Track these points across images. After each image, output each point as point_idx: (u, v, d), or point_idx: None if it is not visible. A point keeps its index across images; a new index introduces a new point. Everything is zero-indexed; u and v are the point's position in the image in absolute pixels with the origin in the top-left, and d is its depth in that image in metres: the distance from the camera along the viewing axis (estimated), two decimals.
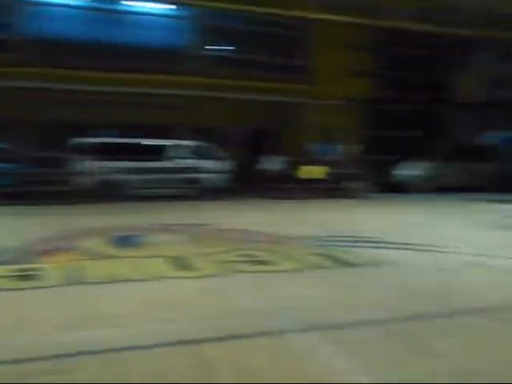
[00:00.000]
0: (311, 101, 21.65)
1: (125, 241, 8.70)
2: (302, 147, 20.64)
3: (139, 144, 17.32)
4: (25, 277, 6.06)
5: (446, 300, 5.29)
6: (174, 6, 21.56)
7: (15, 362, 3.64)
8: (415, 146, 24.46)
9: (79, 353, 3.75)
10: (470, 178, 20.79)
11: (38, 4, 19.78)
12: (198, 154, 17.81)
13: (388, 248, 8.18)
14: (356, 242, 8.73)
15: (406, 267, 6.82)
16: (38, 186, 15.60)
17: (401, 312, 4.84)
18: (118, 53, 19.92)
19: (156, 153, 17.27)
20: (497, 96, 23.35)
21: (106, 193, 15.92)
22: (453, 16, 19.60)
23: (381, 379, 3.42)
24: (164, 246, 8.29)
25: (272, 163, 18.58)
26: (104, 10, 20.63)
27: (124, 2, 21.27)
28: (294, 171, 18.48)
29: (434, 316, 4.77)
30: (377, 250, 7.96)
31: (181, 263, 6.85)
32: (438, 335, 4.26)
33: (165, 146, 17.66)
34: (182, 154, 17.55)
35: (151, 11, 21.55)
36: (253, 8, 19.12)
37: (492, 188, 20.96)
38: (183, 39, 21.77)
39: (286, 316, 4.72)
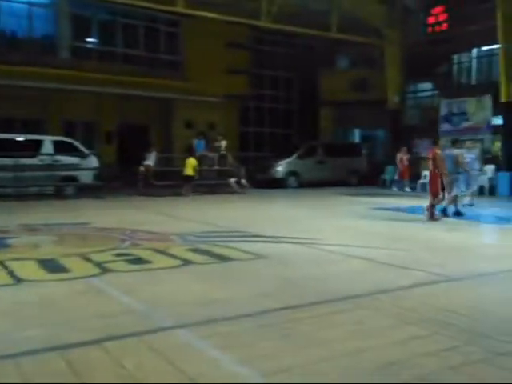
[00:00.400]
0: (187, 97, 21.58)
1: None
2: (184, 143, 20.54)
3: (4, 139, 16.08)
4: None
5: (321, 289, 5.57)
6: None
7: None
8: (288, 142, 25.46)
9: None
10: (338, 173, 22.11)
11: None
12: (67, 150, 16.96)
13: (265, 242, 8.43)
14: (234, 236, 8.89)
15: (283, 260, 7.07)
16: None
17: (276, 303, 5.00)
18: None
19: (24, 149, 16.12)
20: (361, 96, 24.95)
21: None
22: (322, 19, 20.61)
23: (256, 369, 3.53)
24: (36, 247, 7.85)
25: (150, 159, 18.28)
26: None
27: None
28: (180, 168, 18.33)
29: (311, 305, 4.97)
30: (255, 244, 8.17)
31: (53, 265, 6.52)
32: (313, 323, 4.47)
33: (34, 141, 16.59)
34: (50, 151, 16.60)
35: None
36: (124, 0, 18.59)
37: (357, 182, 22.51)
38: (53, 30, 20.65)
39: (162, 314, 4.67)
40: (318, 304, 5.01)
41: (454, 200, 12.12)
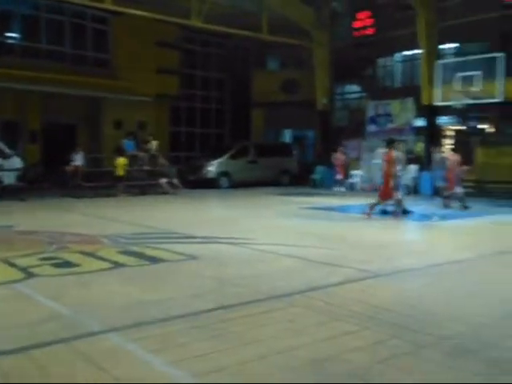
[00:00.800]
0: (115, 96, 21.10)
1: None
2: (113, 143, 20.03)
3: None
4: None
5: (254, 289, 5.61)
6: None
7: None
8: (220, 142, 25.46)
9: None
10: (269, 173, 22.34)
11: None
12: None
13: (198, 242, 8.39)
14: (166, 238, 8.79)
15: (215, 260, 7.06)
16: None
17: (209, 304, 4.99)
18: None
19: None
20: (291, 97, 25.33)
21: None
22: (253, 20, 20.75)
23: (188, 371, 3.51)
24: None
25: (78, 160, 17.70)
26: None
27: None
28: (110, 168, 17.84)
29: (243, 304, 5.01)
30: (187, 245, 8.11)
31: None
32: (246, 323, 4.49)
33: None
34: None
35: None
36: None
37: (288, 182, 22.83)
38: None
39: (91, 318, 4.54)
40: (250, 303, 5.04)
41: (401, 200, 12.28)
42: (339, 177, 21.13)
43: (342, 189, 20.58)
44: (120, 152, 18.08)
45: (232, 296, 5.29)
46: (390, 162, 11.85)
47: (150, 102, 22.18)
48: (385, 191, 11.92)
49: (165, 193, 17.66)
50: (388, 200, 11.99)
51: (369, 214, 11.74)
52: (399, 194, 12.09)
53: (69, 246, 7.87)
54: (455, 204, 13.73)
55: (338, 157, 21.24)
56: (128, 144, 18.78)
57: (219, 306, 4.92)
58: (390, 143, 12.43)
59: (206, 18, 19.10)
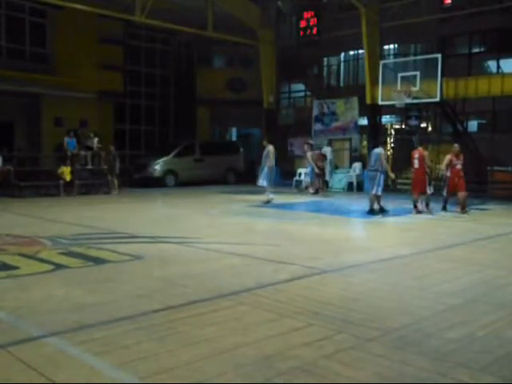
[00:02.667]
0: (54, 92, 20.40)
1: None
2: (54, 141, 19.38)
3: None
4: None
5: (201, 288, 5.56)
6: None
7: None
8: (165, 140, 25.13)
9: None
10: (216, 171, 22.25)
11: None
12: None
13: (143, 242, 8.24)
14: (110, 238, 8.58)
15: (161, 260, 6.95)
16: None
17: (154, 304, 4.90)
18: None
19: None
20: (238, 95, 25.33)
21: None
22: (199, 17, 20.59)
23: (133, 373, 3.43)
24: None
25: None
26: None
27: None
28: (49, 167, 17.24)
29: (190, 304, 4.94)
30: (131, 245, 7.94)
31: None
32: (193, 322, 4.44)
33: None
34: None
35: None
36: None
37: (234, 180, 22.82)
38: None
39: (31, 322, 4.37)
40: (197, 303, 4.99)
41: (378, 198, 12.48)
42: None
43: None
44: (61, 151, 17.51)
45: (178, 296, 5.21)
46: (422, 159, 12.37)
47: (93, 98, 21.61)
48: (418, 187, 12.40)
49: (108, 192, 17.26)
50: (421, 195, 12.50)
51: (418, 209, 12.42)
52: (374, 191, 12.37)
53: (6, 248, 7.55)
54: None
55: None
56: (69, 142, 18.23)
57: (165, 307, 4.84)
58: (422, 143, 13.16)
59: (151, 14, 18.80)
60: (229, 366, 3.53)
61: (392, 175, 13.76)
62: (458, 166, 12.68)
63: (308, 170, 18.48)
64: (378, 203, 12.51)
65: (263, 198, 14.67)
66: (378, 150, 12.66)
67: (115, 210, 13.21)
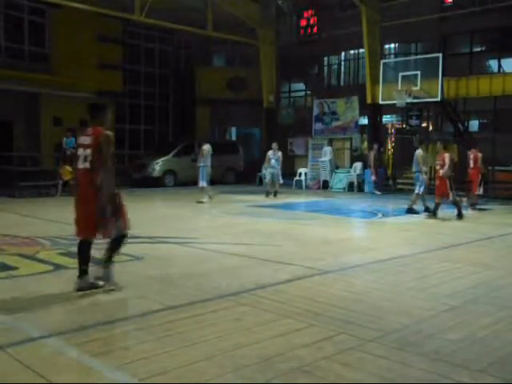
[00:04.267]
0: (53, 91, 20.37)
1: None
2: (53, 141, 19.34)
3: None
4: None
5: (201, 289, 5.53)
6: None
7: None
8: (165, 140, 25.11)
9: None
10: (215, 171, 22.17)
11: None
12: None
13: (142, 242, 8.18)
14: None
15: (161, 260, 6.94)
16: None
17: (155, 304, 4.87)
18: None
19: None
20: (238, 94, 25.30)
21: None
22: (198, 17, 20.59)
23: (132, 374, 3.41)
24: None
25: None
26: None
27: None
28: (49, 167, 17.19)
29: (190, 304, 4.92)
30: (131, 245, 7.85)
31: None
32: (193, 323, 4.41)
33: None
34: None
35: None
36: None
37: (234, 180, 22.79)
38: None
39: (29, 323, 4.35)
40: (197, 303, 4.97)
41: (420, 197, 12.67)
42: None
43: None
44: (59, 151, 17.47)
45: (178, 296, 5.20)
46: (476, 160, 12.75)
47: (92, 98, 21.58)
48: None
49: None
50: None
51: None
52: (418, 191, 12.53)
53: (5, 249, 7.53)
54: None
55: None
56: (69, 142, 18.19)
57: (165, 307, 4.82)
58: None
59: (150, 13, 18.78)
60: (229, 367, 3.51)
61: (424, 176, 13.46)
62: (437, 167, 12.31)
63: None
64: (424, 203, 12.62)
65: (260, 198, 14.74)
66: (417, 152, 12.85)
67: None
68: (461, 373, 3.47)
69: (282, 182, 16.67)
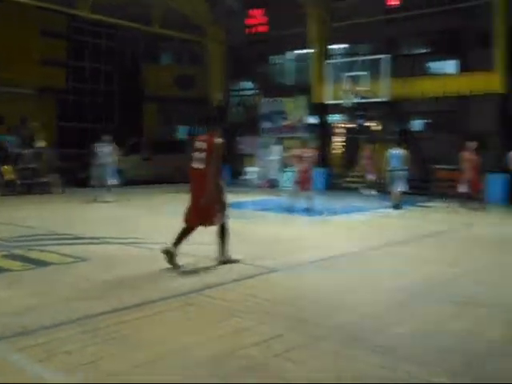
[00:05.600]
0: None
1: None
2: None
3: None
4: None
5: (148, 289, 5.43)
6: None
7: None
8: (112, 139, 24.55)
9: None
10: (164, 170, 21.91)
11: None
12: None
13: (87, 243, 8.00)
14: (53, 239, 8.27)
15: (107, 261, 6.76)
16: None
17: (100, 307, 4.75)
18: None
19: None
20: (186, 92, 25.08)
21: None
22: (145, 13, 20.24)
23: (77, 379, 3.30)
24: None
25: None
26: None
27: None
28: None
29: (137, 306, 4.81)
30: (75, 247, 7.70)
31: None
32: (140, 325, 4.33)
33: None
34: None
35: None
36: None
37: (183, 179, 22.55)
38: None
39: None
40: (144, 304, 4.87)
41: (401, 195, 13.51)
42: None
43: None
44: (1, 151, 16.82)
45: (125, 297, 5.08)
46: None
47: (33, 95, 20.89)
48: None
49: (50, 192, 16.65)
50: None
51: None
52: (400, 188, 13.39)
53: None
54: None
55: None
56: (10, 141, 17.54)
57: (111, 309, 4.70)
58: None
59: (96, 8, 18.33)
60: (178, 368, 3.46)
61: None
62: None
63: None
64: (400, 199, 13.55)
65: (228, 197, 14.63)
66: (402, 152, 13.63)
67: (59, 211, 12.79)
68: (407, 365, 3.55)
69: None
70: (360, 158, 19.08)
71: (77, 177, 19.64)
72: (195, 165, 6.48)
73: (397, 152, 13.76)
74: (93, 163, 14.86)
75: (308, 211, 12.57)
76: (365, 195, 17.45)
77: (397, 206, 13.44)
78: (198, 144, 6.53)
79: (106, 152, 14.70)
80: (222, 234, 6.57)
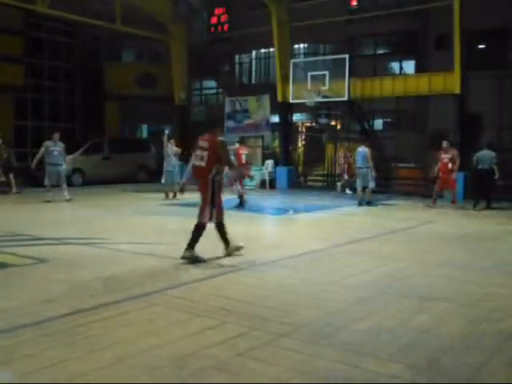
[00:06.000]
0: None
1: None
2: None
3: None
4: None
5: (111, 290, 5.36)
6: None
7: None
8: (71, 138, 24.11)
9: None
10: (126, 169, 21.65)
11: None
12: None
13: (48, 244, 7.84)
14: (11, 240, 8.08)
15: (68, 262, 6.63)
16: None
17: (62, 309, 4.66)
18: None
19: None
20: (149, 91, 24.83)
21: None
22: (107, 10, 19.92)
23: (38, 380, 3.24)
24: None
25: None
26: None
27: None
28: None
29: (100, 307, 4.74)
30: (35, 248, 7.53)
31: None
32: (103, 326, 4.27)
33: None
34: None
35: None
36: None
37: (146, 179, 22.33)
38: None
39: None
40: (107, 305, 4.81)
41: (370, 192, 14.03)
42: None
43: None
44: None
45: (87, 299, 5.00)
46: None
47: None
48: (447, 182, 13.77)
49: (6, 192, 16.20)
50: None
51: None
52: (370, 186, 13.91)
53: None
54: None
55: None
56: None
57: (73, 311, 4.62)
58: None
59: (54, 4, 17.93)
60: (141, 369, 3.43)
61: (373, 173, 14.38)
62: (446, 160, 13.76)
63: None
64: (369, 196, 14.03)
65: (182, 196, 14.57)
66: (366, 150, 13.99)
67: (17, 211, 12.49)
68: (369, 361, 3.60)
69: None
70: (338, 157, 19.25)
71: (34, 176, 19.20)
72: (197, 162, 6.82)
73: (361, 150, 13.99)
74: (46, 162, 14.40)
75: (238, 207, 12.86)
76: (342, 194, 17.59)
77: (368, 203, 13.86)
78: (201, 143, 6.85)
79: (56, 151, 14.30)
80: (221, 229, 7.02)
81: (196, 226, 6.76)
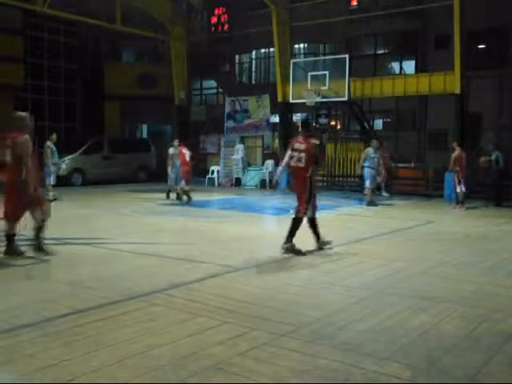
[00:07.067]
0: None
1: None
2: None
3: None
4: None
5: (111, 290, 5.35)
6: None
7: None
8: (72, 137, 24.12)
9: None
10: (126, 169, 21.65)
11: None
12: None
13: (49, 244, 7.84)
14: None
15: (69, 262, 6.62)
16: None
17: (62, 309, 4.65)
18: None
19: None
20: (149, 91, 24.81)
21: None
22: (107, 10, 19.94)
23: (40, 381, 3.24)
24: None
25: None
26: None
27: None
28: None
29: (100, 307, 4.75)
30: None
31: None
32: (103, 326, 4.26)
33: None
34: None
35: None
36: None
37: (146, 179, 22.34)
38: None
39: None
40: (108, 305, 4.81)
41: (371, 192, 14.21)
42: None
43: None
44: None
45: (87, 299, 5.00)
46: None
47: None
48: None
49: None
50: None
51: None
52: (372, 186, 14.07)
53: None
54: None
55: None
56: None
57: (73, 311, 4.62)
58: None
59: (54, 4, 17.93)
60: (142, 369, 3.43)
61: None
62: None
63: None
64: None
65: (172, 196, 14.64)
66: (377, 151, 14.30)
67: None
68: (369, 361, 3.60)
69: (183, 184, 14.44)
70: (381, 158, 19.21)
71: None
72: (295, 163, 7.33)
73: (372, 150, 14.28)
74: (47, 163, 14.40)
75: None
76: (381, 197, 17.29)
77: (370, 203, 13.86)
78: (297, 145, 7.35)
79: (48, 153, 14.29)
80: (314, 223, 7.53)
81: (294, 220, 7.28)
